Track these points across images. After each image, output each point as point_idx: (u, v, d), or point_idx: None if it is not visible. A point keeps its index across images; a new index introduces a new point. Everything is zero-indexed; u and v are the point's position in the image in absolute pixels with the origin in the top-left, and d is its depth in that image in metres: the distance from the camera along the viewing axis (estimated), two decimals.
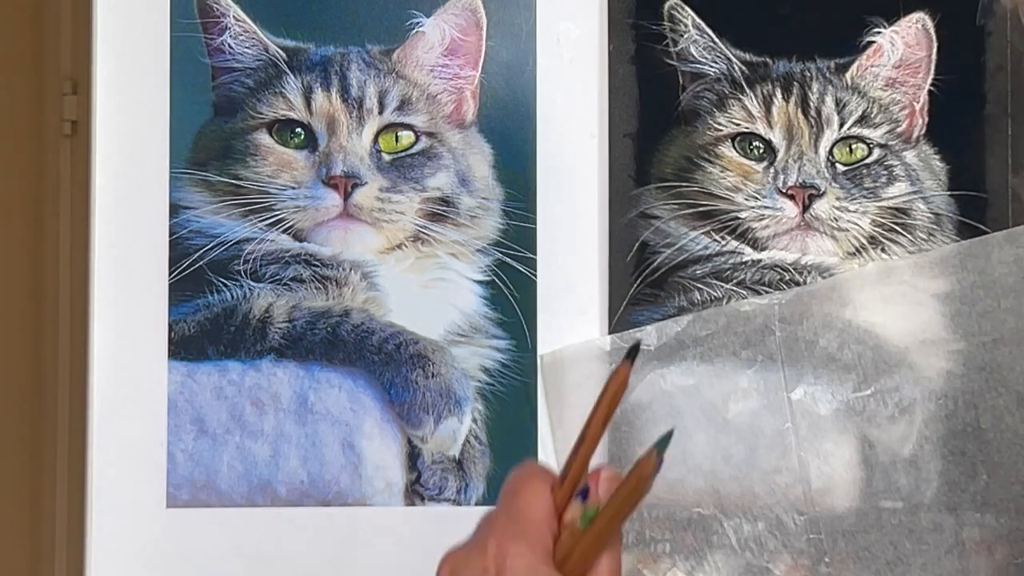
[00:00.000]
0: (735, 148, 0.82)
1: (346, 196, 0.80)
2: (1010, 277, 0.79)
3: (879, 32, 0.82)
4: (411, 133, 0.81)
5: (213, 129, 0.81)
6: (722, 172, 0.82)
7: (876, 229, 0.82)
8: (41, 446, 0.95)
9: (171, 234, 0.80)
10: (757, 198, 0.81)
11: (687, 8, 0.82)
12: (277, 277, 0.80)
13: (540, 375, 0.81)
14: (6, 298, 0.93)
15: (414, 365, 0.80)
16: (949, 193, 0.82)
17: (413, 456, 0.80)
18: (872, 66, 0.82)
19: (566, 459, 0.66)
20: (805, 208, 0.81)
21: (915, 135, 0.82)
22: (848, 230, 0.81)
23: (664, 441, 0.58)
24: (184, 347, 0.80)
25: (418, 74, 0.81)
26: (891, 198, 0.82)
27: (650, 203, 0.82)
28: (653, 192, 0.82)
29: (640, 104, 0.82)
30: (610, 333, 0.81)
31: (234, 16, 0.81)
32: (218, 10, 0.81)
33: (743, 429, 0.80)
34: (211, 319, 0.80)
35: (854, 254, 0.82)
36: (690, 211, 0.82)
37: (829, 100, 0.81)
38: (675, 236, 0.82)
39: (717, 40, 0.82)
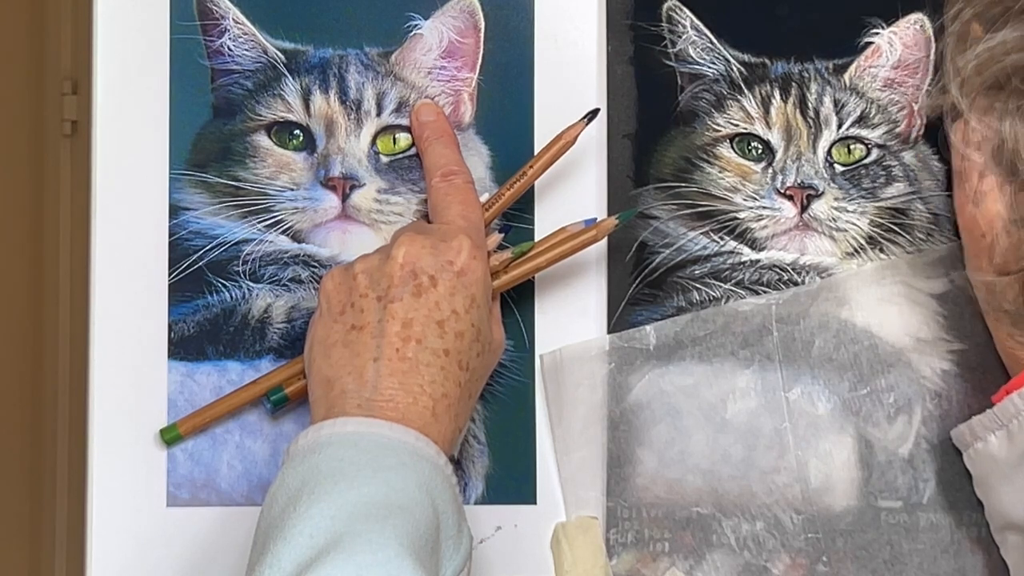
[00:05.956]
0: (733, 149, 0.82)
1: (344, 198, 0.81)
2: None
3: (877, 33, 0.82)
4: (409, 135, 0.81)
5: (212, 131, 0.81)
6: (720, 172, 0.82)
7: (874, 229, 0.82)
8: (41, 446, 0.95)
9: (171, 235, 0.80)
10: (756, 198, 0.81)
11: (685, 9, 0.82)
12: (276, 278, 0.81)
13: (539, 375, 0.81)
14: (6, 298, 0.93)
15: None
16: (947, 193, 0.82)
17: None
18: (870, 67, 0.82)
19: (497, 191, 0.79)
20: (803, 208, 0.81)
21: (913, 135, 0.82)
22: (846, 230, 0.82)
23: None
24: (184, 347, 0.80)
25: (416, 76, 0.81)
26: (889, 198, 0.82)
27: (649, 203, 0.82)
28: (652, 192, 0.82)
29: (638, 105, 0.82)
30: (609, 333, 0.81)
31: (233, 18, 0.81)
32: (217, 12, 0.81)
33: (741, 429, 0.80)
34: (210, 319, 0.80)
35: (852, 254, 0.82)
36: (689, 211, 0.82)
37: (827, 101, 0.82)
38: (674, 236, 0.82)
39: (715, 41, 0.82)
